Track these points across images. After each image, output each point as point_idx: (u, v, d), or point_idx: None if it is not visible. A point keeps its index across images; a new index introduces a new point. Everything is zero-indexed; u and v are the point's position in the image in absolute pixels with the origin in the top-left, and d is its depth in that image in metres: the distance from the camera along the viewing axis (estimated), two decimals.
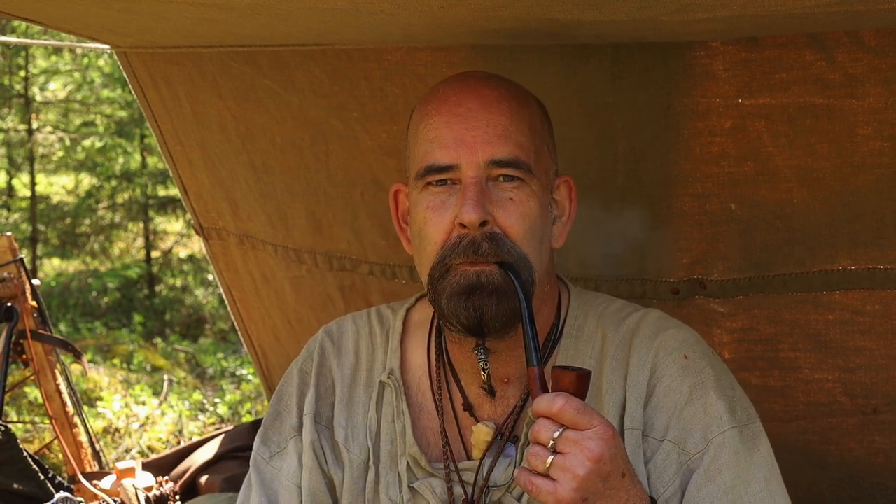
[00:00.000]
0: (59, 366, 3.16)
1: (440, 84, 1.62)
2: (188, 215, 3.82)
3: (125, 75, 2.80)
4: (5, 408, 3.27)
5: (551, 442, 1.31)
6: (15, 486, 2.63)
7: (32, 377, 3.11)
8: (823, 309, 1.97)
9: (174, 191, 8.95)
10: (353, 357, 1.73)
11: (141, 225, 9.80)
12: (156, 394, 6.13)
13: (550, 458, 1.30)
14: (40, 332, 3.07)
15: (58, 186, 10.54)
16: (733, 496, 1.48)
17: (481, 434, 1.60)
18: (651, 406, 1.55)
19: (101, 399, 5.85)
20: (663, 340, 1.59)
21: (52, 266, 10.02)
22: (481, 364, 1.58)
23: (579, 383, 1.35)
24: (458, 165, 1.51)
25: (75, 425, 3.15)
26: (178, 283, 9.76)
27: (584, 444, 1.30)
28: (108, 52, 2.87)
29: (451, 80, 1.61)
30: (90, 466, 3.16)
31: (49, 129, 9.67)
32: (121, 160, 9.50)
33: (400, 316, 1.74)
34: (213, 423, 5.78)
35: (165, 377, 6.43)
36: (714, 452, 1.50)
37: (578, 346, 1.62)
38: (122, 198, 9.63)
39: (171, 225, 10.34)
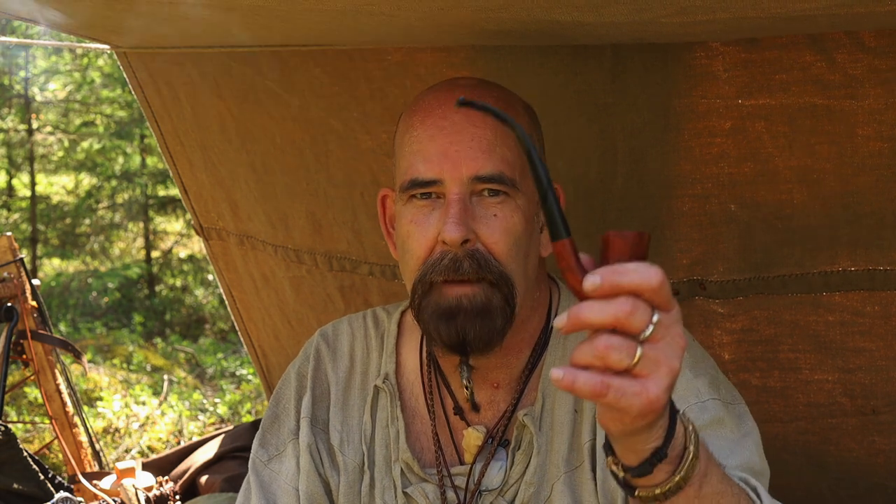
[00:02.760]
0: (59, 366, 3.16)
1: (426, 92, 1.60)
2: (188, 215, 3.83)
3: (125, 75, 2.80)
4: (5, 408, 3.27)
5: (650, 327, 1.00)
6: (15, 486, 2.63)
7: (32, 377, 3.11)
8: (823, 310, 1.97)
9: (174, 191, 8.96)
10: (347, 360, 1.73)
11: (141, 225, 9.80)
12: (156, 394, 6.13)
13: (639, 349, 1.00)
14: (40, 332, 3.07)
15: (58, 186, 10.54)
16: (720, 460, 1.43)
17: (472, 438, 1.60)
18: None
19: (101, 399, 5.86)
20: None
21: (52, 266, 10.02)
22: (464, 381, 1.59)
23: (642, 246, 1.04)
24: (441, 180, 1.50)
25: (75, 425, 3.15)
26: (178, 283, 9.76)
27: (674, 329, 1.02)
28: (108, 52, 2.87)
29: (437, 88, 1.59)
30: (90, 466, 3.17)
31: (49, 129, 9.67)
32: (121, 160, 9.51)
33: (394, 319, 1.73)
34: (213, 423, 5.78)
35: (165, 377, 6.43)
36: (691, 419, 1.45)
37: (567, 346, 1.62)
38: (122, 198, 9.63)
39: (171, 225, 10.34)
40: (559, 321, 1.01)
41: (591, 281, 0.99)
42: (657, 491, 1.10)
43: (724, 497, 1.17)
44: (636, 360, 0.99)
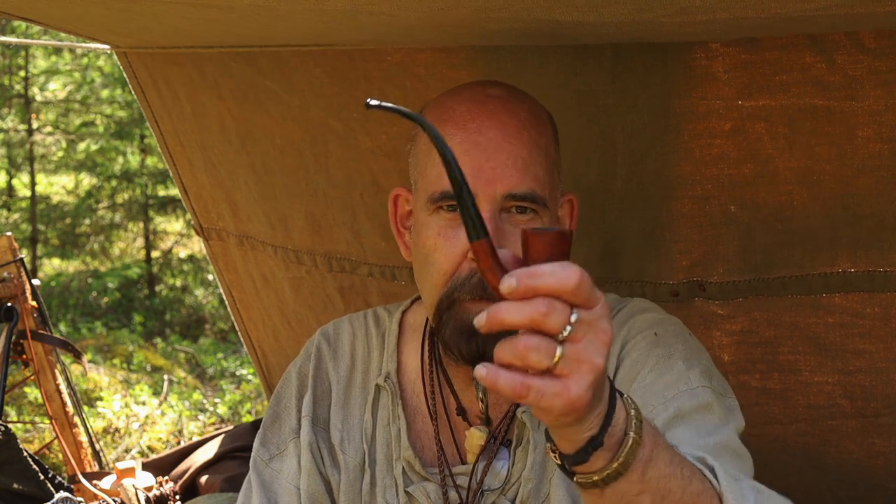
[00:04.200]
0: (59, 366, 3.16)
1: (457, 100, 1.56)
2: (188, 215, 3.83)
3: (125, 75, 2.80)
4: (5, 408, 3.27)
5: (568, 328, 0.99)
6: (15, 486, 2.63)
7: (32, 377, 3.11)
8: (823, 311, 1.97)
9: (174, 191, 8.96)
10: (348, 359, 1.73)
11: (141, 225, 9.80)
12: (156, 394, 6.13)
13: (559, 349, 0.99)
14: (40, 332, 3.07)
15: (58, 186, 10.55)
16: (699, 439, 1.39)
17: (474, 438, 1.60)
18: (617, 380, 1.52)
19: (101, 399, 5.86)
20: (636, 321, 1.58)
21: (52, 266, 10.02)
22: (479, 394, 1.60)
23: (562, 245, 1.02)
24: (474, 196, 1.50)
25: (75, 425, 3.15)
26: (178, 283, 9.76)
27: (598, 325, 1.01)
28: (108, 52, 2.87)
29: (468, 97, 1.56)
30: (90, 466, 3.16)
31: (49, 129, 9.67)
32: (120, 160, 9.51)
33: (395, 318, 1.73)
34: (213, 423, 5.78)
35: (165, 377, 6.43)
36: (678, 404, 1.44)
37: None
38: (122, 198, 9.63)
39: (171, 225, 10.35)
40: (479, 320, 1.02)
41: (507, 283, 0.99)
42: (595, 478, 1.10)
43: (673, 479, 1.15)
44: (556, 360, 0.99)
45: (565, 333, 0.99)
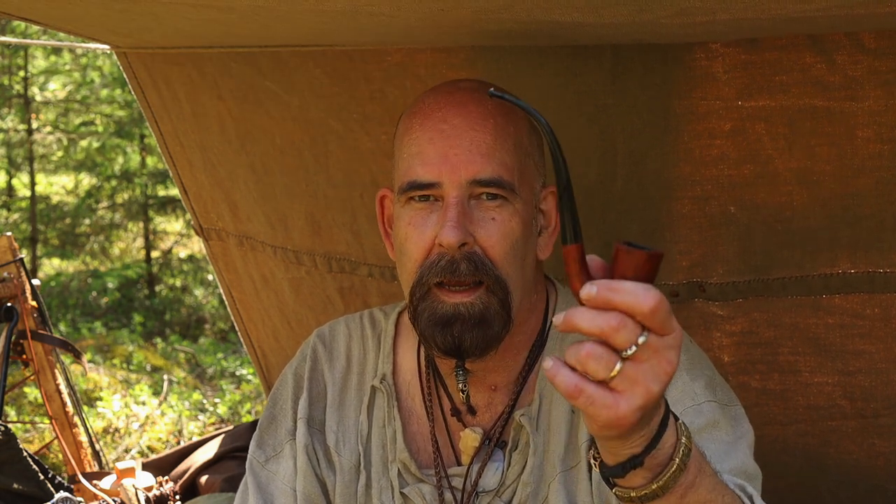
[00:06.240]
0: (59, 366, 3.16)
1: (427, 94, 1.59)
2: (188, 215, 3.83)
3: (125, 75, 2.80)
4: (5, 408, 3.27)
5: (633, 347, 1.01)
6: (15, 486, 2.63)
7: (32, 377, 3.11)
8: (823, 312, 1.97)
9: (174, 191, 8.96)
10: (344, 361, 1.73)
11: (141, 225, 9.80)
12: (156, 394, 6.13)
13: (619, 365, 1.02)
14: (40, 332, 3.07)
15: (58, 186, 10.55)
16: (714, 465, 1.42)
17: (469, 440, 1.60)
18: None
19: (101, 399, 5.86)
20: None
21: (52, 266, 10.02)
22: (460, 385, 1.59)
23: (649, 267, 1.03)
24: (440, 183, 1.50)
25: (75, 425, 3.15)
26: (178, 283, 9.76)
27: (664, 354, 1.03)
28: (108, 52, 2.87)
29: (437, 91, 1.59)
30: (90, 466, 3.16)
31: (48, 129, 9.67)
32: (120, 160, 9.51)
33: (392, 319, 1.73)
34: (213, 423, 5.78)
35: (165, 377, 6.43)
36: (685, 423, 1.47)
37: (564, 347, 1.61)
38: (121, 198, 9.63)
39: (171, 225, 10.35)
40: (557, 318, 1.04)
41: (588, 290, 1.02)
42: (633, 494, 1.13)
43: None
44: (613, 374, 1.02)
45: (629, 352, 1.02)
